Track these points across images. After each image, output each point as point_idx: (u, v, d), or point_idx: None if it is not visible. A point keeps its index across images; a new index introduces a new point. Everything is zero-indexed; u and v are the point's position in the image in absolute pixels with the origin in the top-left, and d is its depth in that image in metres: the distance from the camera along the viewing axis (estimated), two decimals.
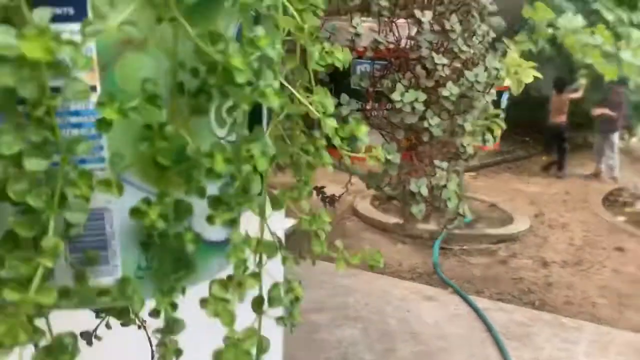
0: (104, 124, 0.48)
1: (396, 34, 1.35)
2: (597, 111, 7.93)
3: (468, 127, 1.23)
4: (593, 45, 6.89)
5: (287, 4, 0.59)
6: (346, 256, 0.78)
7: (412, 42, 1.30)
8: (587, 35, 7.19)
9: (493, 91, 1.36)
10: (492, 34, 1.31)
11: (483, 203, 6.40)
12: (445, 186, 1.45)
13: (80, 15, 0.50)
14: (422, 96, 1.21)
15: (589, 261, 4.88)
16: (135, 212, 0.54)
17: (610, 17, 8.82)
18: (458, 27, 1.18)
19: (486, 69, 1.24)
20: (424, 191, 1.39)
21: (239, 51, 0.51)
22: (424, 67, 1.24)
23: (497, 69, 1.28)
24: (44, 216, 0.46)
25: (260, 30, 0.54)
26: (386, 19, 1.33)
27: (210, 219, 0.58)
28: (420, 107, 1.20)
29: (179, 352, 0.68)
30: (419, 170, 1.53)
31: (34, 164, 0.45)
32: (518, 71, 1.40)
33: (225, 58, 0.50)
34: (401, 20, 1.35)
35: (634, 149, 10.47)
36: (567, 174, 8.14)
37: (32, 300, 0.44)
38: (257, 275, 0.64)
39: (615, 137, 8.03)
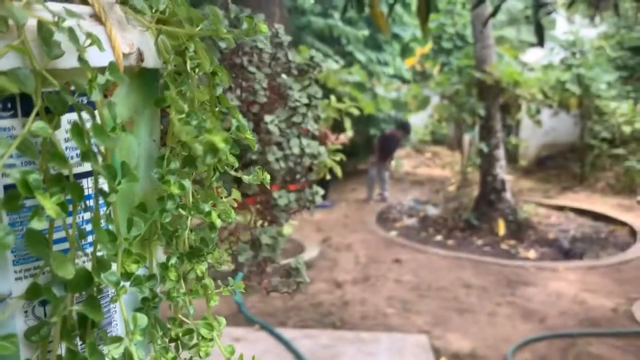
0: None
1: None
2: (378, 150, 9.01)
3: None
4: (352, 83, 7.65)
5: None
6: None
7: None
8: (346, 74, 7.97)
9: None
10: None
11: None
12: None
13: None
14: None
15: (375, 276, 5.35)
16: None
17: (362, 57, 9.99)
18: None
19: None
20: None
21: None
22: None
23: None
24: None
25: None
26: None
27: None
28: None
29: None
30: None
31: None
32: None
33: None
34: None
35: (394, 172, 11.92)
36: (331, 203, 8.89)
37: None
38: None
39: (387, 167, 9.13)
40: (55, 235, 0.55)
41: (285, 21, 5.92)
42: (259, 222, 1.31)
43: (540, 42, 3.43)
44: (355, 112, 1.76)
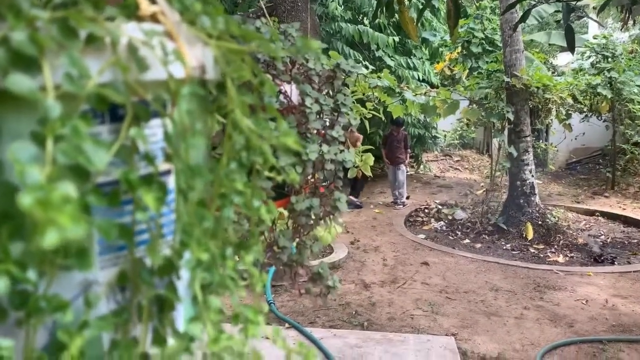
0: None
1: None
2: (384, 150, 8.97)
3: None
4: (381, 87, 7.69)
5: None
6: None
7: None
8: (375, 79, 8.02)
9: None
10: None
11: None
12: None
13: None
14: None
15: (402, 278, 5.40)
16: None
17: (391, 62, 10.04)
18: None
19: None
20: None
21: None
22: None
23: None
24: None
25: None
26: None
27: None
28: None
29: None
30: None
31: None
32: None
33: None
34: None
35: (423, 175, 11.92)
36: (359, 203, 8.90)
37: None
38: None
39: (401, 169, 9.03)
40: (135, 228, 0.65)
41: (316, 28, 6.04)
42: (280, 226, 1.39)
43: (571, 47, 3.45)
44: (378, 115, 1.83)
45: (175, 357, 0.65)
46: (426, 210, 8.60)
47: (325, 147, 0.84)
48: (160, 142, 0.66)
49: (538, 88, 7.05)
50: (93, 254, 0.64)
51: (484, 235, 7.17)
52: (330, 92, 0.92)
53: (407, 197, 9.09)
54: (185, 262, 0.66)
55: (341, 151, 0.88)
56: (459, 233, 7.40)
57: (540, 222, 7.06)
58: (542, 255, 6.40)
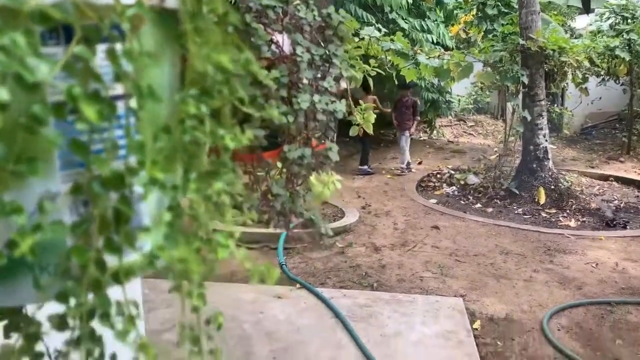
0: None
1: None
2: (394, 115, 8.87)
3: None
4: (394, 51, 7.58)
5: None
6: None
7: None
8: (388, 42, 7.92)
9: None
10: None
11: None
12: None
13: None
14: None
15: (413, 241, 5.45)
16: None
17: (405, 25, 9.87)
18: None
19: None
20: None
21: None
22: None
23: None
24: None
25: None
26: None
27: None
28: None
29: None
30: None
31: None
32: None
33: None
34: None
35: (436, 141, 11.86)
36: (370, 170, 8.85)
37: None
38: None
39: (405, 135, 8.92)
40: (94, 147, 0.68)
41: None
42: (275, 174, 1.38)
43: (586, 8, 3.37)
44: (382, 72, 1.82)
45: (135, 271, 0.68)
46: (438, 176, 8.59)
47: (316, 97, 0.85)
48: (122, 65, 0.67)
49: (554, 51, 6.91)
50: (51, 165, 0.69)
51: (496, 200, 7.16)
52: (322, 43, 0.92)
53: (408, 164, 8.94)
54: (139, 179, 0.67)
55: (332, 102, 0.89)
56: (471, 198, 7.40)
57: (552, 187, 7.03)
58: (553, 220, 6.40)
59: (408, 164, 8.92)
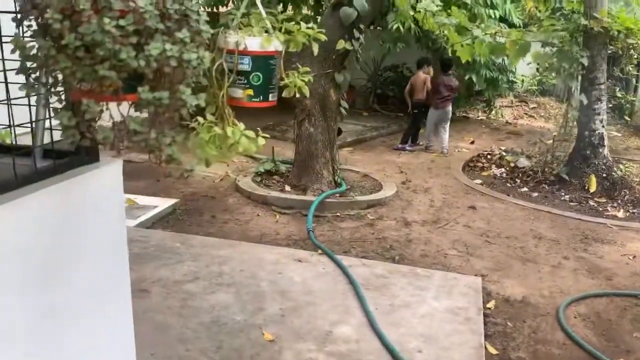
0: None
1: None
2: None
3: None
4: (449, 25, 7.46)
5: None
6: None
7: None
8: (444, 16, 7.78)
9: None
10: None
11: (357, 174, 6.82)
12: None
13: None
14: None
15: (445, 219, 5.44)
16: None
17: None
18: None
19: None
20: None
21: None
22: None
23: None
24: None
25: None
26: None
27: None
28: None
29: None
30: None
31: None
32: (293, 32, 1.54)
33: None
34: None
35: (493, 121, 11.55)
36: (412, 148, 8.72)
37: None
38: None
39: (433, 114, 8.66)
40: None
41: None
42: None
43: None
44: (323, 37, 1.78)
45: None
46: (489, 157, 8.40)
47: (168, 46, 0.93)
48: None
49: (619, 32, 6.55)
50: None
51: (544, 185, 6.96)
52: None
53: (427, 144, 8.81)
54: None
55: (187, 52, 0.97)
56: (518, 181, 7.22)
57: (605, 175, 6.74)
58: (601, 209, 6.17)
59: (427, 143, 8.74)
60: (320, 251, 4.35)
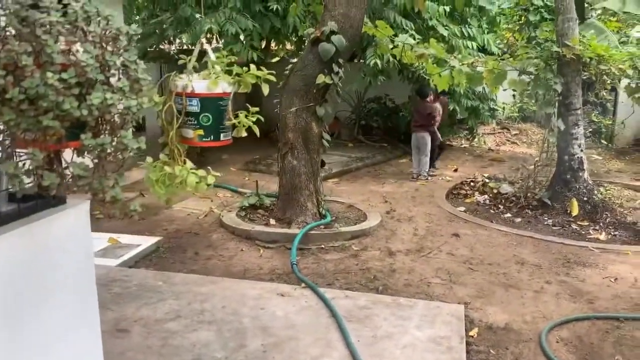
0: None
1: None
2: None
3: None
4: (428, 55, 7.64)
5: None
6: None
7: None
8: (422, 48, 7.98)
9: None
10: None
11: (342, 204, 6.86)
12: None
13: None
14: None
15: (429, 248, 5.47)
16: None
17: (445, 32, 9.82)
18: None
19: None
20: None
21: None
22: None
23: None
24: None
25: None
26: None
27: None
28: None
29: None
30: None
31: None
32: (242, 75, 1.60)
33: None
34: None
35: (476, 148, 11.70)
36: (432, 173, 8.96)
37: None
38: None
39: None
40: None
41: None
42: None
43: (580, 15, 3.33)
44: (272, 79, 1.82)
45: None
46: (472, 184, 8.49)
47: (109, 94, 0.98)
48: None
49: (591, 59, 6.73)
50: None
51: (527, 210, 7.03)
52: (117, 51, 1.04)
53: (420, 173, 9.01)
54: None
55: (126, 99, 1.02)
56: (501, 207, 7.29)
57: (586, 199, 6.83)
58: (583, 232, 6.23)
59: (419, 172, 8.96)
60: (303, 285, 4.34)
